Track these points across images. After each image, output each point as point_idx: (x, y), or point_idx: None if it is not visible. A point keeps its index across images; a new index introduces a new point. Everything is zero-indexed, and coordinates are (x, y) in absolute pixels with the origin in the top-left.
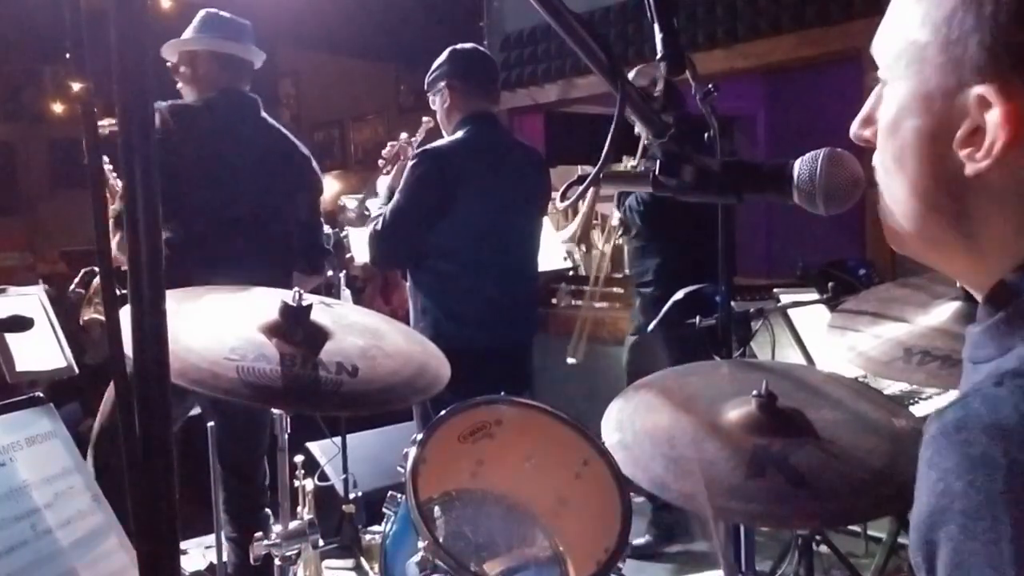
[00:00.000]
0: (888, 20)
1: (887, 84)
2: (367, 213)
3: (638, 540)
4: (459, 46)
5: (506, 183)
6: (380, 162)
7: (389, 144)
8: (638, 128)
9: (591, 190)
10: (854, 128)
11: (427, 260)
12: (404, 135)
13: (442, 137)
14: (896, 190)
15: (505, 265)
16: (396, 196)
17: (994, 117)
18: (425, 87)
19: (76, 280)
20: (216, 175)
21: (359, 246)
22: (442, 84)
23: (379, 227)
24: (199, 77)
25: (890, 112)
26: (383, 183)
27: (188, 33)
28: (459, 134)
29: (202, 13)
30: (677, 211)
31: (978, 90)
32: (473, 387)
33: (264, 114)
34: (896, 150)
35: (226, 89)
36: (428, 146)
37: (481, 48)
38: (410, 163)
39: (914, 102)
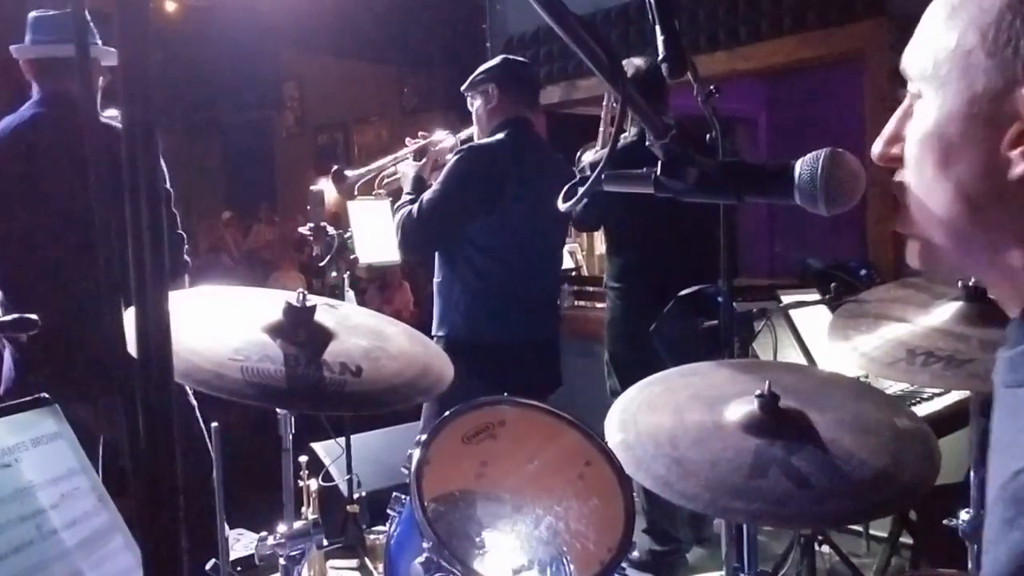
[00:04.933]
0: (923, 32)
1: (922, 96)
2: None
3: (634, 553)
4: (510, 56)
5: (543, 186)
6: (406, 150)
7: (421, 134)
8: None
9: None
10: (878, 148)
11: (465, 254)
12: (443, 132)
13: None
14: (938, 198)
15: (537, 264)
16: (437, 186)
17: None
18: (467, 86)
19: None
20: (30, 199)
21: (363, 248)
22: (491, 85)
23: (415, 213)
24: (32, 86)
25: (931, 120)
26: (410, 167)
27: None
28: (500, 135)
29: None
30: (628, 215)
31: None
32: (509, 379)
33: (103, 115)
34: (940, 156)
35: (48, 95)
36: (475, 142)
37: (528, 64)
38: (456, 156)
39: (960, 107)
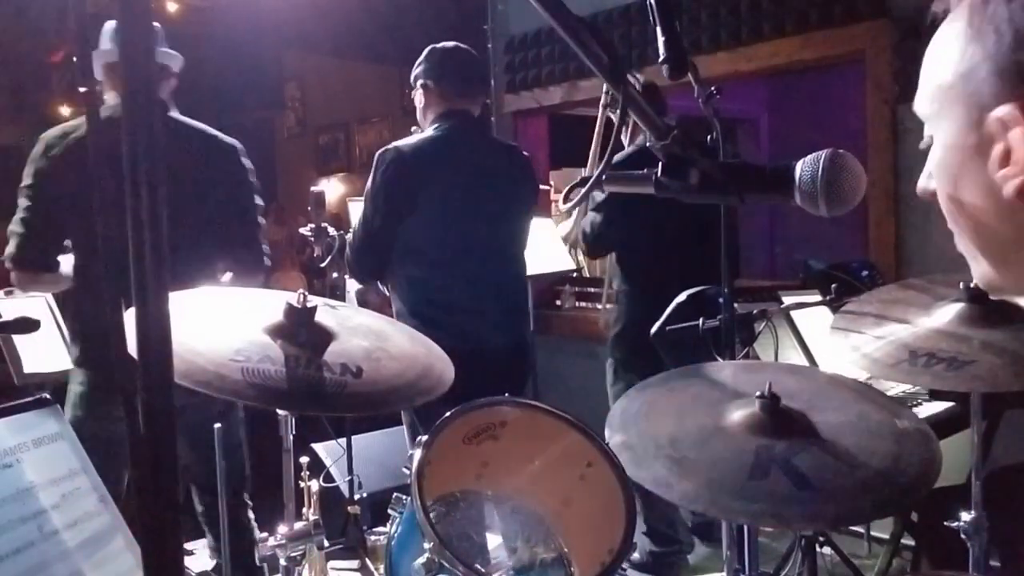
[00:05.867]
0: (921, 77)
1: (933, 134)
2: None
3: (633, 555)
4: (438, 45)
5: (478, 183)
6: None
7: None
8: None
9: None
10: (920, 184)
11: (397, 263)
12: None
13: None
14: (963, 223)
15: (479, 268)
16: (363, 202)
17: (1017, 134)
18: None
19: None
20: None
21: None
22: (418, 84)
23: (350, 238)
24: (111, 90)
25: (937, 155)
26: None
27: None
28: (428, 132)
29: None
30: (637, 238)
31: (997, 113)
32: (457, 388)
33: (174, 114)
34: (950, 187)
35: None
36: (389, 145)
37: (463, 47)
38: (373, 164)
39: (953, 139)
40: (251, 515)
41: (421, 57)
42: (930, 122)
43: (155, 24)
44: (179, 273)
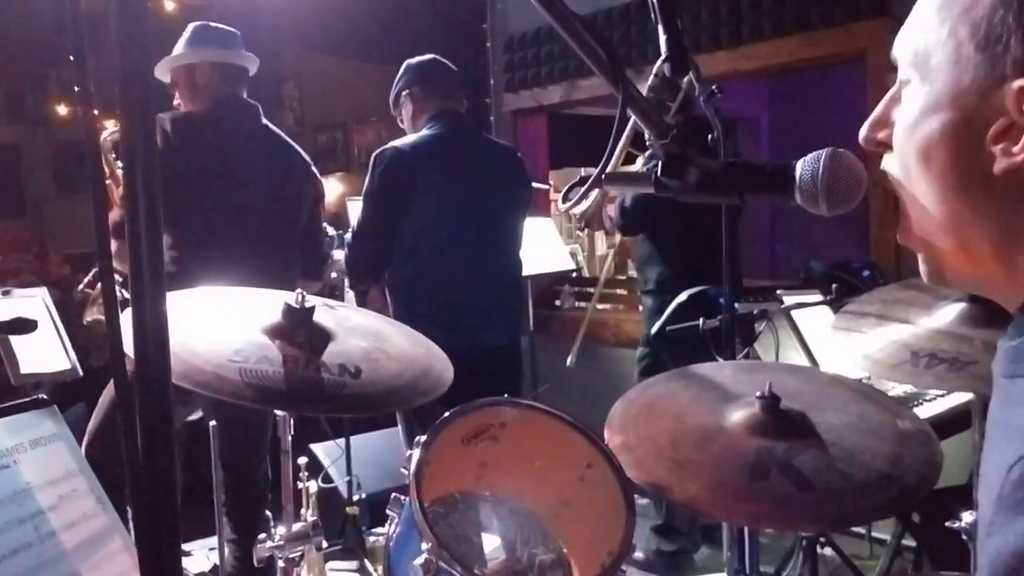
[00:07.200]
0: (914, 20)
1: (909, 84)
2: None
3: (636, 554)
4: (413, 59)
5: (473, 181)
6: None
7: None
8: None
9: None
10: (865, 131)
11: (394, 262)
12: None
13: None
14: (924, 188)
15: (474, 265)
16: (362, 202)
17: None
18: (391, 108)
19: (84, 280)
20: (221, 183)
21: None
22: (404, 95)
23: (349, 237)
24: (199, 88)
25: (915, 109)
26: None
27: (180, 48)
28: (424, 131)
29: (191, 27)
30: (672, 216)
31: (1019, 83)
32: (445, 391)
33: (265, 120)
34: (922, 147)
35: (227, 96)
36: (386, 145)
37: (438, 58)
38: (370, 164)
39: (945, 98)
40: (269, 513)
41: (398, 76)
42: (916, 70)
43: (233, 30)
44: (278, 270)
